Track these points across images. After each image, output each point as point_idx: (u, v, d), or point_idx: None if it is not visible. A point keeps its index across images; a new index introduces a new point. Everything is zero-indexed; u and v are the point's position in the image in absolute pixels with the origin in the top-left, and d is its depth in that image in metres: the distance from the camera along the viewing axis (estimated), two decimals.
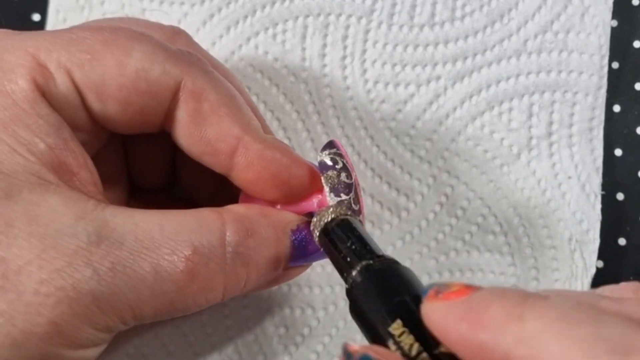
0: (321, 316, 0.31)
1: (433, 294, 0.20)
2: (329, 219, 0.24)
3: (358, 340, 0.31)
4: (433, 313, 0.19)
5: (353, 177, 0.25)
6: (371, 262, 0.22)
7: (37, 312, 0.21)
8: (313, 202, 0.26)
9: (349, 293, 0.22)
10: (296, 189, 0.25)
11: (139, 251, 0.22)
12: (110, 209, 0.23)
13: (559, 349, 0.16)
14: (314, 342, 0.31)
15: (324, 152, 0.26)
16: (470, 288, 0.19)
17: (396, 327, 0.20)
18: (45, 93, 0.23)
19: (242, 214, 0.24)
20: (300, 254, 0.25)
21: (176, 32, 0.27)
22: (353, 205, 0.25)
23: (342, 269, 0.23)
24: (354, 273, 0.22)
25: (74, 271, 0.21)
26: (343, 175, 0.25)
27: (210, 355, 0.31)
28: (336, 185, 0.25)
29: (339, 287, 0.31)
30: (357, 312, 0.21)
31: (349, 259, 0.23)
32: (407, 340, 0.19)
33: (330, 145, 0.26)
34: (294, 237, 0.25)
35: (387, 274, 0.21)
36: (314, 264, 0.31)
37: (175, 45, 0.26)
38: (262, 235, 0.24)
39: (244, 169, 0.25)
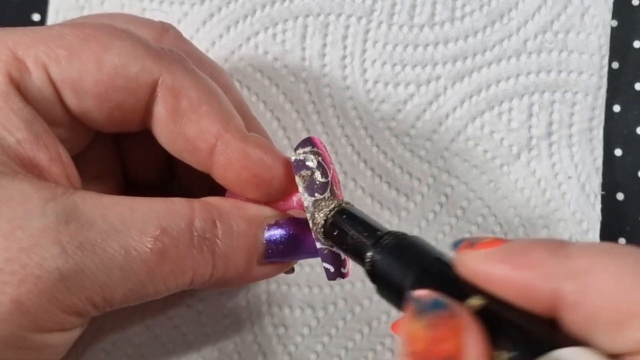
0: (321, 316, 0.31)
1: (467, 245, 0.20)
2: (327, 216, 0.24)
3: (357, 341, 0.31)
4: (471, 261, 0.20)
5: (329, 176, 0.25)
6: (383, 237, 0.22)
7: (1, 290, 0.21)
8: (293, 200, 0.25)
9: (372, 272, 0.22)
10: (278, 188, 0.25)
11: (107, 232, 0.22)
12: (79, 193, 0.23)
13: (610, 280, 0.17)
14: (313, 342, 0.31)
15: (297, 151, 0.25)
16: (502, 239, 0.20)
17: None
18: (20, 87, 0.23)
19: (212, 204, 0.24)
20: (277, 250, 0.25)
21: (165, 29, 0.27)
22: None
23: (357, 254, 0.23)
24: (369, 253, 0.22)
25: (41, 250, 0.21)
26: (317, 173, 0.24)
27: (210, 354, 0.31)
28: (310, 185, 0.24)
29: (339, 287, 0.31)
30: (385, 283, 0.22)
31: (361, 242, 0.23)
32: None
33: (305, 143, 0.25)
34: (270, 233, 0.25)
35: (403, 245, 0.22)
36: (315, 264, 0.31)
37: (164, 42, 0.26)
38: (232, 227, 0.24)
39: (223, 168, 0.24)
